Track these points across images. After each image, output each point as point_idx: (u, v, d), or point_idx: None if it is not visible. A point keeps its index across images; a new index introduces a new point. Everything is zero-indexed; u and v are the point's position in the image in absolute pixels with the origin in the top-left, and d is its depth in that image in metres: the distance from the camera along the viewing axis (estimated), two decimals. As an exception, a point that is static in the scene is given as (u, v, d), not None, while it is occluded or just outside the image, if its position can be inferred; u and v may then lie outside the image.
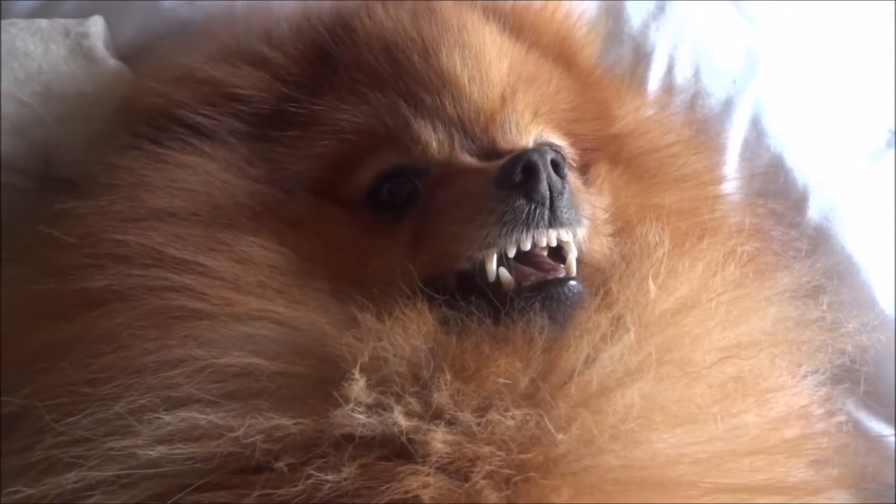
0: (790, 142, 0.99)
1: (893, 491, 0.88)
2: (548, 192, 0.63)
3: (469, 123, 0.72)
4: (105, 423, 0.57)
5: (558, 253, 0.66)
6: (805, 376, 0.71)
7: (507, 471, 0.55)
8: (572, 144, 0.78)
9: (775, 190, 0.96)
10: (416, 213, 0.68)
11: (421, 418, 0.56)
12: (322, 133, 0.72)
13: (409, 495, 0.54)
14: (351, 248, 0.68)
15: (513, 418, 0.56)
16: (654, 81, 0.98)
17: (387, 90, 0.72)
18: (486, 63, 0.74)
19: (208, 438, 0.56)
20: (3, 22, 0.82)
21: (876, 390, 0.88)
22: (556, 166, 0.63)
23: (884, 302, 0.94)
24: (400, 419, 0.56)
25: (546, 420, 0.56)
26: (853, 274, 0.94)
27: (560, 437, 0.55)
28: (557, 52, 0.83)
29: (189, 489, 0.55)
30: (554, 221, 0.63)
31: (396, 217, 0.69)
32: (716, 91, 0.98)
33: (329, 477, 0.54)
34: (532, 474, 0.55)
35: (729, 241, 0.73)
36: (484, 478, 0.55)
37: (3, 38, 0.78)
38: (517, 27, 0.82)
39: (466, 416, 0.56)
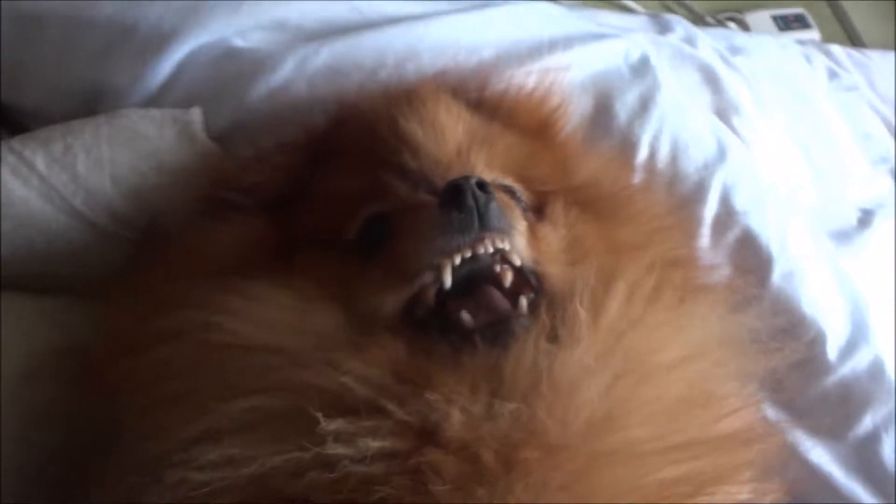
0: (757, 216, 1.14)
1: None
2: (473, 204, 0.73)
3: (429, 172, 0.82)
4: (167, 453, 0.66)
5: (518, 287, 0.76)
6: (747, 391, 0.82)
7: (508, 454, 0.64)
8: (527, 188, 0.89)
9: (745, 257, 1.11)
10: (387, 247, 0.79)
11: (391, 436, 0.64)
12: (320, 198, 0.89)
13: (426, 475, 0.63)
14: (340, 284, 0.78)
15: (502, 413, 0.65)
16: (639, 165, 1.15)
17: (364, 157, 0.88)
18: (441, 125, 0.86)
19: (240, 466, 0.64)
20: (123, 110, 1.02)
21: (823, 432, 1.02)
22: (482, 186, 0.74)
23: (831, 355, 1.07)
24: (370, 443, 0.63)
25: (532, 412, 0.66)
26: (806, 330, 1.07)
27: (549, 424, 0.65)
28: (528, 128, 0.98)
29: None
30: (484, 226, 0.73)
31: (376, 253, 0.80)
32: (690, 175, 1.15)
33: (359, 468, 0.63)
34: (530, 456, 0.64)
35: (679, 269, 0.87)
36: (493, 459, 0.64)
37: (126, 122, 0.98)
38: (489, 107, 0.98)
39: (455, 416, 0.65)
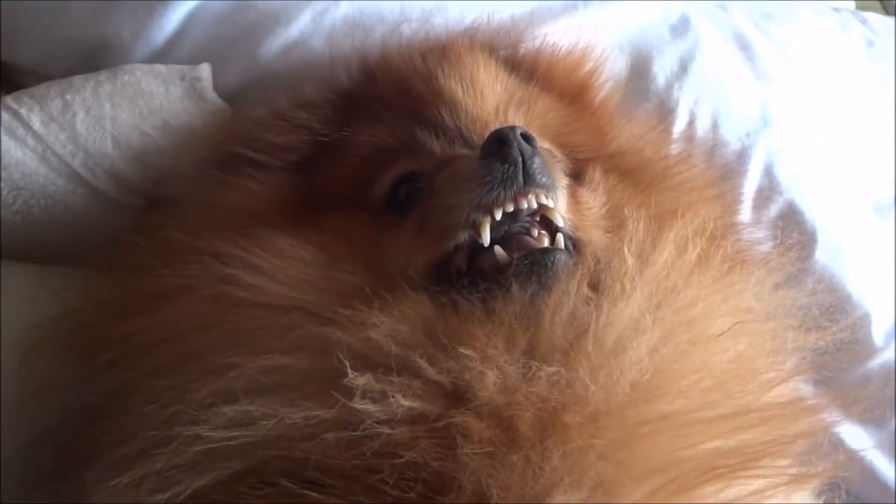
0: (801, 189, 1.09)
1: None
2: (519, 156, 0.70)
3: (466, 131, 0.80)
4: (177, 413, 0.63)
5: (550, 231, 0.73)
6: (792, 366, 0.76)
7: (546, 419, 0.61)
8: (565, 154, 0.86)
9: (788, 231, 1.03)
10: (420, 203, 0.76)
11: (420, 397, 0.61)
12: (347, 155, 0.85)
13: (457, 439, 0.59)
14: (369, 243, 0.76)
15: (540, 375, 0.62)
16: (677, 133, 1.08)
17: (397, 113, 0.85)
18: (481, 83, 0.84)
19: (259, 425, 0.62)
20: (127, 66, 0.95)
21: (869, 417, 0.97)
22: (527, 138, 0.71)
23: (877, 337, 1.03)
24: (401, 401, 0.60)
25: (573, 374, 0.62)
26: (851, 310, 1.03)
27: (592, 388, 0.61)
28: (566, 92, 0.94)
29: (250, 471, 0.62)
30: (528, 181, 0.70)
31: (407, 211, 0.78)
32: (732, 142, 1.09)
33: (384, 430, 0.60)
34: (570, 422, 0.60)
35: (724, 239, 0.80)
36: (528, 425, 0.60)
37: (129, 79, 0.92)
38: (525, 67, 0.93)
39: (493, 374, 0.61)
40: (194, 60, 0.99)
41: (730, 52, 1.25)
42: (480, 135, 0.78)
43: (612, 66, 1.04)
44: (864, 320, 1.04)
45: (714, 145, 1.09)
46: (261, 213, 0.81)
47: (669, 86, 1.11)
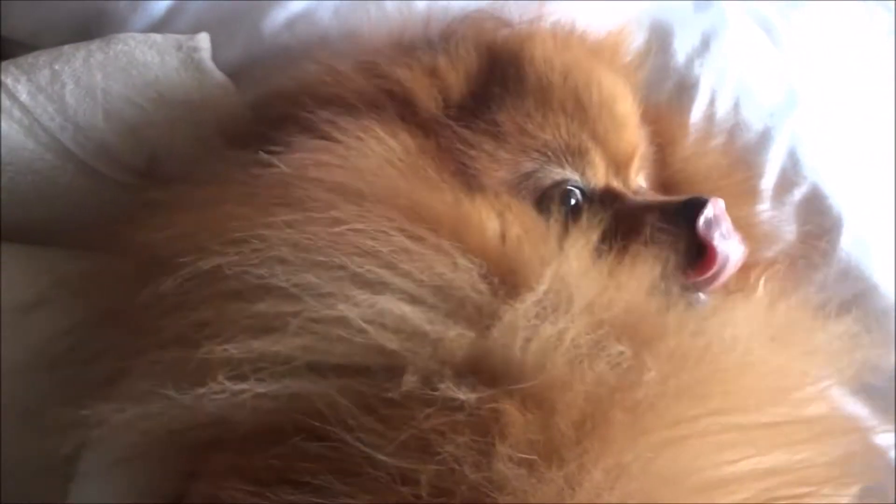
0: (826, 172, 1.04)
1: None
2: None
3: (622, 159, 0.83)
4: (316, 289, 0.60)
5: None
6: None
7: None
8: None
9: (813, 217, 1.02)
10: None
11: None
12: (510, 142, 0.80)
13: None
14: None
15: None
16: (697, 113, 1.04)
17: (570, 116, 0.82)
18: (633, 119, 0.87)
19: (398, 334, 0.59)
20: (121, 35, 0.90)
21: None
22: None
23: None
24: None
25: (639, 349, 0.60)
26: (877, 300, 0.99)
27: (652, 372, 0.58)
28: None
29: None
30: None
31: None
32: (754, 123, 1.04)
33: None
34: (614, 417, 0.56)
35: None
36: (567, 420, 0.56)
37: (122, 48, 0.87)
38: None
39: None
40: (196, 32, 0.94)
41: (755, 30, 1.21)
42: (625, 168, 0.84)
43: (631, 41, 0.99)
44: (891, 311, 0.99)
45: (735, 126, 1.05)
46: (399, 180, 0.74)
47: (690, 62, 1.06)
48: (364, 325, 0.58)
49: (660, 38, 1.07)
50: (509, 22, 0.92)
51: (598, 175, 0.82)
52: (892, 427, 0.87)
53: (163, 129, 0.86)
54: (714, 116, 1.05)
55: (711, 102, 1.05)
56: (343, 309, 0.59)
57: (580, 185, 0.81)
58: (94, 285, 0.75)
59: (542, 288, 0.62)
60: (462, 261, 0.63)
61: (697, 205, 0.75)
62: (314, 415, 0.56)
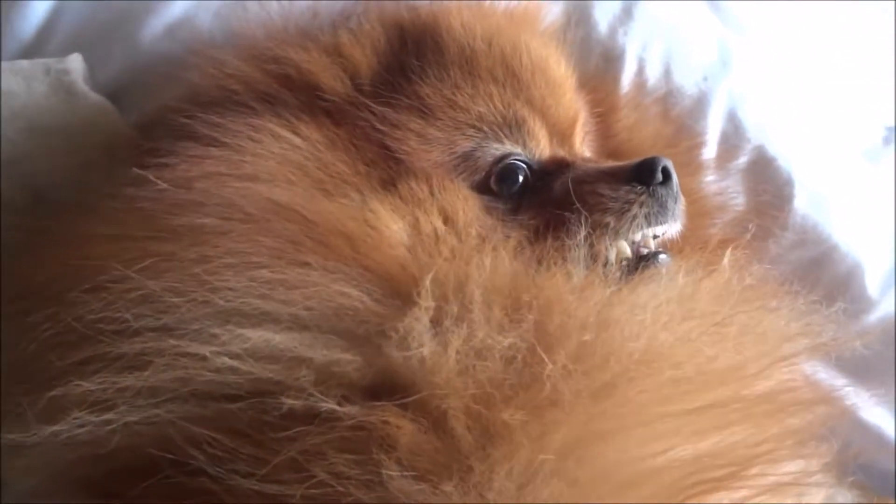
0: (771, 134, 0.99)
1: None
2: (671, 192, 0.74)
3: (564, 127, 0.80)
4: (184, 327, 0.57)
5: None
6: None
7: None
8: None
9: (762, 184, 0.97)
10: (540, 205, 0.74)
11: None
12: (440, 118, 0.75)
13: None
14: (473, 226, 0.71)
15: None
16: (625, 83, 0.98)
17: (501, 84, 0.77)
18: (569, 83, 0.83)
19: (275, 362, 0.56)
20: (-14, 66, 0.84)
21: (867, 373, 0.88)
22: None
23: (872, 289, 0.94)
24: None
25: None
26: (839, 261, 0.94)
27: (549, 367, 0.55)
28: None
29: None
30: (673, 217, 0.75)
31: (516, 206, 0.74)
32: (688, 88, 0.99)
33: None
34: (508, 419, 0.54)
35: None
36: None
37: None
38: None
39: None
40: (71, 51, 0.88)
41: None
42: (569, 134, 0.81)
43: (545, 14, 0.93)
44: (856, 271, 0.94)
45: (668, 92, 0.99)
46: (316, 170, 0.70)
47: (613, 31, 1.01)
48: (231, 363, 0.55)
49: (578, 9, 1.01)
50: (412, 3, 0.85)
51: (542, 145, 0.78)
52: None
53: (39, 160, 0.80)
54: (645, 85, 0.99)
55: (640, 71, 1.00)
56: (209, 349, 0.56)
57: (524, 158, 0.76)
58: None
59: (431, 302, 0.58)
60: (349, 287, 0.59)
61: (651, 164, 0.74)
62: (186, 443, 0.54)
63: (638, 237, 0.74)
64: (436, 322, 0.57)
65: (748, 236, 0.82)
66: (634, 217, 0.73)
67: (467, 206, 0.72)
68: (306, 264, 0.60)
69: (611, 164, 0.79)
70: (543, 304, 0.58)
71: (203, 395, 0.56)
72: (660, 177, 0.74)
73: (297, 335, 0.56)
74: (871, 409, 0.90)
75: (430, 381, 0.54)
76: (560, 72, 0.82)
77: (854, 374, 0.88)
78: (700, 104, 0.99)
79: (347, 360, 0.56)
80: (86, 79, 0.84)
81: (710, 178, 0.97)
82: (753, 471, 0.58)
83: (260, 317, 0.57)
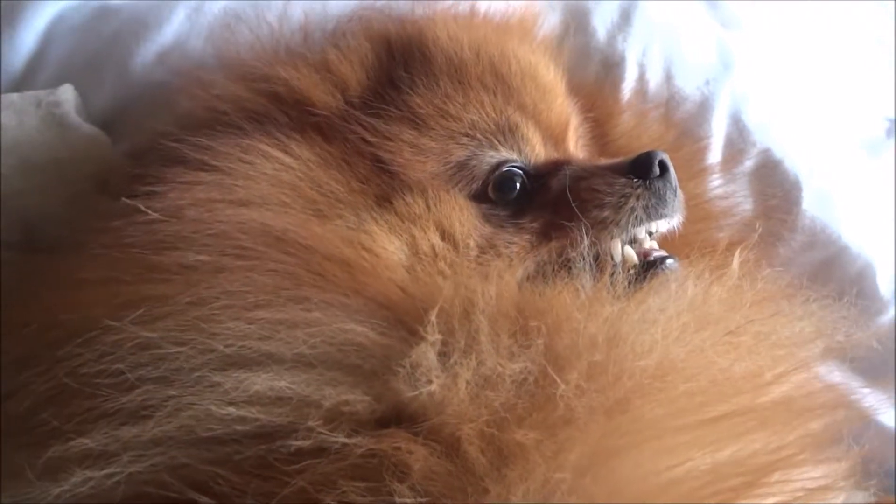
0: (776, 135, 0.98)
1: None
2: (670, 185, 0.74)
3: (557, 132, 0.79)
4: (185, 376, 0.56)
5: None
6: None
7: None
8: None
9: (769, 183, 0.95)
10: (540, 207, 0.73)
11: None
12: (432, 127, 0.74)
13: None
14: (472, 237, 0.70)
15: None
16: (627, 89, 0.97)
17: (491, 91, 0.77)
18: (559, 88, 0.83)
19: (282, 406, 0.55)
20: (-24, 101, 0.82)
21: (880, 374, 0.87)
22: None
23: (884, 289, 0.92)
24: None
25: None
26: (850, 263, 0.93)
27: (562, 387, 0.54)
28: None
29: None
30: (673, 211, 0.75)
31: (516, 211, 0.73)
32: (690, 92, 0.97)
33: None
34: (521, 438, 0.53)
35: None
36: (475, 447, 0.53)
37: None
38: None
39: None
40: (62, 81, 0.86)
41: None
42: (561, 138, 0.80)
43: (540, 24, 0.92)
44: (867, 271, 0.93)
45: (670, 98, 0.98)
46: (311, 191, 0.69)
47: (612, 39, 0.99)
48: (237, 413, 0.53)
49: (576, 18, 1.00)
50: (398, 18, 0.84)
51: (536, 150, 0.77)
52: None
53: (32, 196, 0.78)
54: (647, 91, 0.98)
55: (641, 77, 0.98)
56: (212, 399, 0.54)
57: (520, 164, 0.75)
58: None
59: (437, 336, 0.56)
60: (352, 322, 0.58)
61: (648, 157, 0.74)
62: (191, 486, 0.53)
63: (640, 233, 0.73)
64: (443, 355, 0.55)
65: (756, 237, 0.80)
66: (633, 210, 0.72)
67: (464, 217, 0.71)
68: (306, 299, 0.58)
69: (607, 160, 0.79)
70: (552, 324, 0.57)
71: (209, 441, 0.54)
72: (657, 170, 0.74)
73: (302, 375, 0.55)
74: (888, 412, 0.88)
75: (441, 412, 0.53)
76: (550, 77, 0.81)
77: (869, 375, 0.86)
78: (702, 108, 0.97)
79: (356, 399, 0.54)
80: (78, 109, 0.83)
81: (715, 183, 0.95)
82: (774, 477, 0.57)
83: (262, 359, 0.55)
